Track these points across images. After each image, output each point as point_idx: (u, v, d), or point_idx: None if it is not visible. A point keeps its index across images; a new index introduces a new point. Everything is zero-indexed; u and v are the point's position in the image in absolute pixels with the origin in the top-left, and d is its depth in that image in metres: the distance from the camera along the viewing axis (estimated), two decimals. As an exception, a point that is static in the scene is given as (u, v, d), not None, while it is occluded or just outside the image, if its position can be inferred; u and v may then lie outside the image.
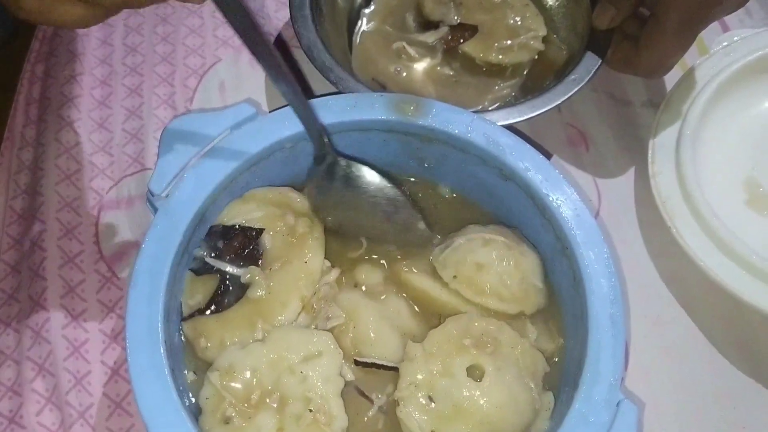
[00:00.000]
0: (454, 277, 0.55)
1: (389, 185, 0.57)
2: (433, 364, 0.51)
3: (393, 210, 0.57)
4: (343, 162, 0.56)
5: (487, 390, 0.50)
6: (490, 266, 0.55)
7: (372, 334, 0.53)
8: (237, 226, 0.55)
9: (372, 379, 0.53)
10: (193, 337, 0.53)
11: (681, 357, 0.63)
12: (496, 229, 0.58)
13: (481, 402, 0.50)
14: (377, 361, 0.52)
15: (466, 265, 0.55)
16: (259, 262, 0.55)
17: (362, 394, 0.52)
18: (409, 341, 0.53)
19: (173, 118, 0.58)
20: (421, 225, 0.58)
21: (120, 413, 0.58)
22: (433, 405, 0.50)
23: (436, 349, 0.52)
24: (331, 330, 0.53)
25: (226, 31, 0.77)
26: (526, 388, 0.51)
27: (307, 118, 0.54)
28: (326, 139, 0.56)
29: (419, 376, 0.51)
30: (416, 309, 0.56)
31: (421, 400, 0.50)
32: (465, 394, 0.50)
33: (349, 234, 0.58)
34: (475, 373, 0.51)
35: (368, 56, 0.73)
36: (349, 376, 0.52)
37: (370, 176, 0.57)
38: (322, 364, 0.50)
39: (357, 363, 0.52)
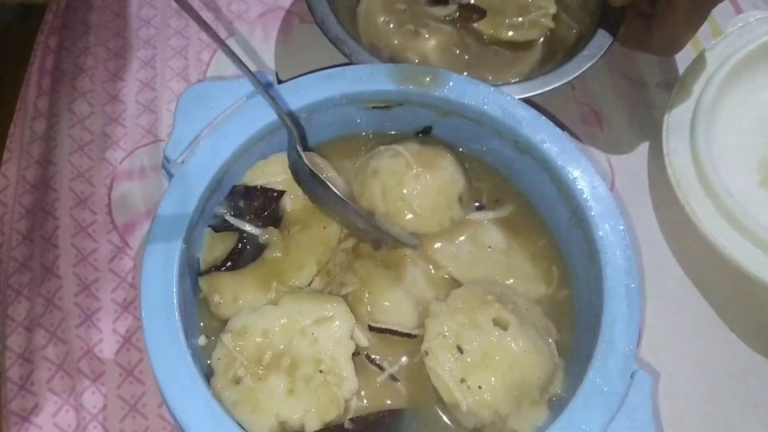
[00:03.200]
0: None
1: (350, 209, 0.54)
2: (460, 317, 0.51)
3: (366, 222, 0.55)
4: (307, 169, 0.54)
5: (514, 336, 0.50)
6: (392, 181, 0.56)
7: (386, 302, 0.53)
8: (259, 187, 0.56)
9: (385, 346, 0.53)
10: (208, 292, 0.53)
11: (694, 335, 0.62)
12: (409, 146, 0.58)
13: (512, 345, 0.50)
14: (391, 327, 0.52)
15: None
16: (279, 224, 0.55)
17: (373, 362, 0.52)
18: (433, 300, 0.53)
19: (189, 86, 0.57)
20: (394, 240, 0.55)
21: (131, 381, 0.58)
22: (461, 354, 0.50)
23: (461, 304, 0.52)
24: (345, 296, 0.53)
25: (240, 6, 0.77)
26: (545, 341, 0.52)
27: (275, 107, 0.53)
28: (295, 135, 0.54)
29: (446, 328, 0.51)
30: (432, 278, 0.56)
31: (450, 349, 0.50)
32: (493, 340, 0.50)
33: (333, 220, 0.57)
34: (499, 324, 0.51)
35: (376, 28, 0.73)
36: (363, 342, 0.52)
37: (332, 195, 0.54)
38: (333, 327, 0.50)
39: (371, 329, 0.52)
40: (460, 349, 0.50)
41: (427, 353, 0.50)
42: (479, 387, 0.49)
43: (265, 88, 0.53)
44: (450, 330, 0.51)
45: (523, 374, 0.50)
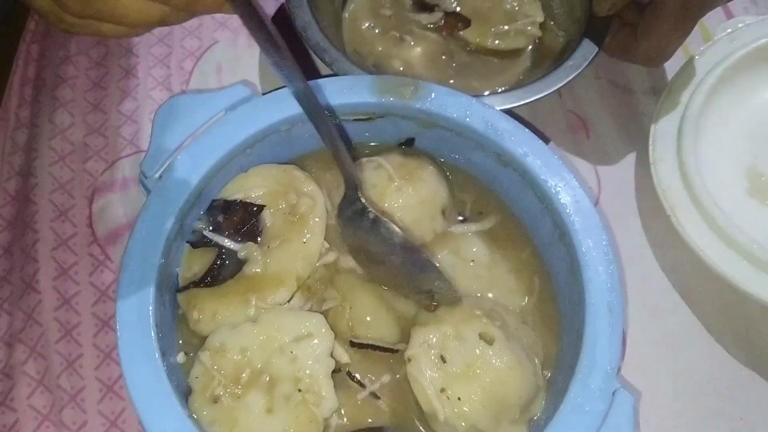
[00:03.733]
0: None
1: (415, 247, 0.54)
2: (446, 328, 0.51)
3: (416, 270, 0.53)
4: (371, 214, 0.53)
5: (498, 352, 0.50)
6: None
7: (368, 317, 0.52)
8: (238, 201, 0.55)
9: (367, 362, 0.52)
10: (187, 309, 0.53)
11: (679, 347, 0.62)
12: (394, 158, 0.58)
13: (494, 361, 0.49)
14: (373, 342, 0.52)
15: None
16: (258, 238, 0.54)
17: (354, 379, 0.52)
18: (422, 309, 0.53)
19: (167, 99, 0.57)
20: (447, 287, 0.53)
21: (111, 396, 0.57)
22: (444, 363, 0.49)
23: (449, 316, 0.51)
24: (326, 312, 0.52)
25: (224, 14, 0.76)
26: (531, 360, 0.51)
27: (343, 160, 0.52)
28: (358, 189, 0.54)
29: (431, 336, 0.50)
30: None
31: (432, 358, 0.50)
32: (477, 353, 0.50)
33: (371, 276, 0.55)
34: (485, 338, 0.51)
35: (360, 34, 0.72)
36: (344, 358, 0.51)
37: (396, 235, 0.53)
38: (312, 345, 0.50)
39: (353, 344, 0.52)
40: (443, 359, 0.50)
41: (409, 360, 0.50)
42: (459, 398, 0.49)
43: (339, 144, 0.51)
44: (435, 339, 0.50)
45: (505, 390, 0.49)
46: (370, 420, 0.51)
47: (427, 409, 0.49)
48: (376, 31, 0.72)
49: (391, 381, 0.52)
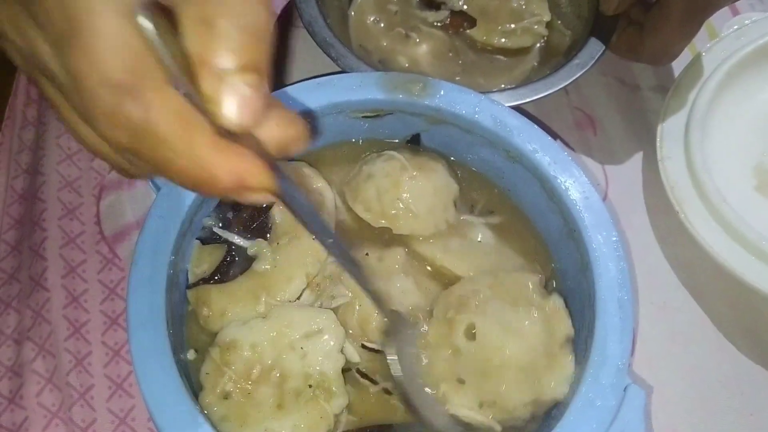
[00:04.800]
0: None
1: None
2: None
3: None
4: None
5: (483, 340, 0.50)
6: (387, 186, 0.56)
7: (376, 313, 0.52)
8: None
9: (377, 362, 0.52)
10: (196, 305, 0.53)
11: (688, 343, 0.62)
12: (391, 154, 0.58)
13: (487, 352, 0.50)
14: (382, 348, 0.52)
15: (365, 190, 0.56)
16: (267, 235, 0.54)
17: (365, 376, 0.52)
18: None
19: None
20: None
21: (121, 394, 0.57)
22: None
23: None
24: (336, 309, 0.52)
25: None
26: (526, 315, 0.52)
27: (378, 300, 0.50)
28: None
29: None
30: (423, 286, 0.55)
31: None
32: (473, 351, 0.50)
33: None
34: (470, 334, 0.51)
35: (366, 29, 0.72)
36: (355, 357, 0.51)
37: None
38: (322, 341, 0.50)
39: (364, 347, 0.52)
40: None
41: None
42: (494, 402, 0.49)
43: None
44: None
45: (518, 363, 0.50)
46: (382, 416, 0.51)
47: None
48: (382, 25, 0.72)
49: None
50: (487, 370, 0.50)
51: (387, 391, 0.51)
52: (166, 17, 0.30)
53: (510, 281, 0.54)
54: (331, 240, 0.43)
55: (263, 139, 0.32)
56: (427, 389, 0.51)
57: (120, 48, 0.29)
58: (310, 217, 0.39)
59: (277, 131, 0.33)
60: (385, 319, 0.50)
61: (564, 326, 0.52)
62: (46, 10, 0.30)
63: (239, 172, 0.31)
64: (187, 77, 0.30)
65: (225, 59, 0.29)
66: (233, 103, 0.30)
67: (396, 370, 0.49)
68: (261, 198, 0.33)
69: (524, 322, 0.51)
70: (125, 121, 0.29)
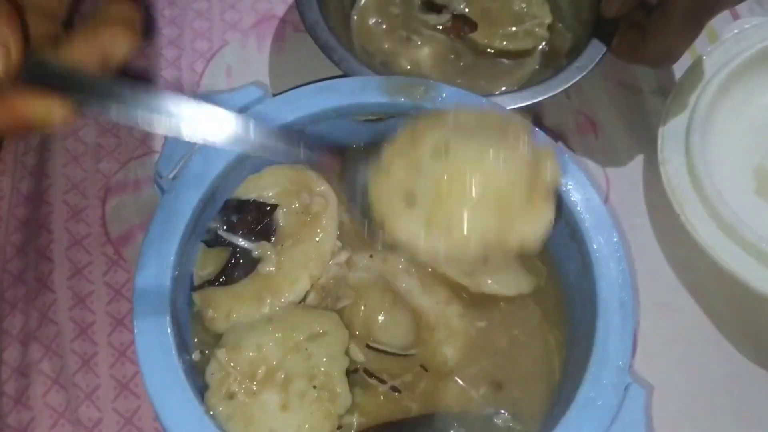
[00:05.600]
0: None
1: None
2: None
3: None
4: None
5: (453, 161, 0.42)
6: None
7: (381, 313, 0.53)
8: (252, 201, 0.56)
9: (383, 363, 0.53)
10: (202, 307, 0.53)
11: (689, 345, 0.62)
12: None
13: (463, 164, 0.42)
14: (389, 349, 0.52)
15: None
16: (272, 238, 0.55)
17: (372, 376, 0.52)
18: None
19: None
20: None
21: (126, 395, 0.58)
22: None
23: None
24: (341, 310, 0.53)
25: (234, 15, 0.77)
26: (512, 149, 0.43)
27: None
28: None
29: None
30: (427, 285, 0.56)
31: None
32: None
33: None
34: (440, 152, 0.43)
35: (368, 31, 0.73)
36: (360, 357, 0.52)
37: None
38: (327, 343, 0.50)
39: (369, 347, 0.52)
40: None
41: None
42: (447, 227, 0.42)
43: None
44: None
45: (491, 194, 0.42)
46: (391, 414, 0.51)
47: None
48: (384, 27, 0.73)
49: (410, 380, 0.53)
50: (449, 194, 0.42)
51: (395, 389, 0.52)
52: None
53: (497, 120, 0.46)
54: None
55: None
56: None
57: None
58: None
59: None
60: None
61: (552, 172, 0.44)
62: None
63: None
64: None
65: None
66: None
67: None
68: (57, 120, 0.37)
69: (508, 153, 0.43)
70: None
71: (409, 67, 0.71)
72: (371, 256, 0.55)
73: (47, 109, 0.36)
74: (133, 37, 0.41)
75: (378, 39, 0.73)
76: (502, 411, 0.52)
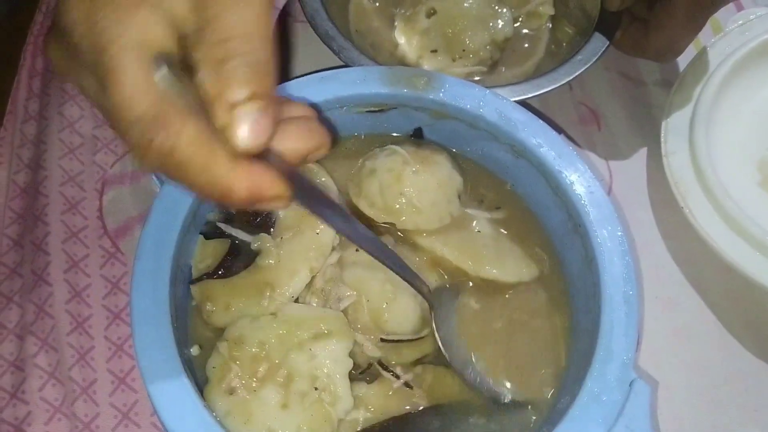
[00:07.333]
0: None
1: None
2: None
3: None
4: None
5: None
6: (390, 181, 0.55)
7: (385, 303, 0.52)
8: None
9: (394, 353, 0.52)
10: (200, 300, 0.52)
11: (692, 338, 0.62)
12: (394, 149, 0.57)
13: None
14: (403, 338, 0.52)
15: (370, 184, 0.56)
16: (271, 230, 0.54)
17: (387, 369, 0.51)
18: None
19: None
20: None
21: (124, 389, 0.57)
22: None
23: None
24: (345, 310, 0.52)
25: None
26: None
27: (412, 279, 0.51)
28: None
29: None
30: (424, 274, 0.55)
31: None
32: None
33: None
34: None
35: (362, 10, 0.72)
36: (375, 353, 0.51)
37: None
38: (331, 344, 0.49)
39: (383, 341, 0.52)
40: None
41: None
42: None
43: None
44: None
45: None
46: (406, 407, 0.51)
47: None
48: (377, 4, 0.72)
49: (422, 371, 0.52)
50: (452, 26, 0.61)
51: (408, 385, 0.51)
52: (182, 61, 0.35)
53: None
54: (355, 231, 0.44)
55: (285, 151, 0.36)
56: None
57: (144, 92, 0.34)
58: (330, 214, 0.41)
59: (295, 143, 0.37)
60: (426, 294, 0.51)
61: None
62: (88, 62, 0.35)
63: (251, 186, 0.35)
64: (203, 110, 0.34)
65: (235, 93, 0.34)
66: (245, 128, 0.34)
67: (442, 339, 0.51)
68: (278, 205, 0.37)
69: None
70: (154, 150, 0.34)
71: (397, 50, 0.70)
72: (357, 250, 0.54)
73: (280, 193, 0.36)
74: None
75: (369, 17, 0.71)
76: (508, 399, 0.51)
